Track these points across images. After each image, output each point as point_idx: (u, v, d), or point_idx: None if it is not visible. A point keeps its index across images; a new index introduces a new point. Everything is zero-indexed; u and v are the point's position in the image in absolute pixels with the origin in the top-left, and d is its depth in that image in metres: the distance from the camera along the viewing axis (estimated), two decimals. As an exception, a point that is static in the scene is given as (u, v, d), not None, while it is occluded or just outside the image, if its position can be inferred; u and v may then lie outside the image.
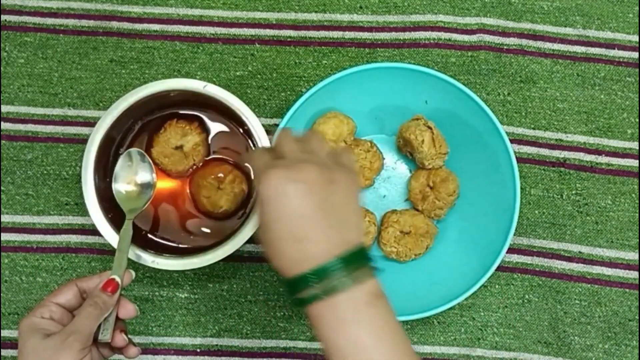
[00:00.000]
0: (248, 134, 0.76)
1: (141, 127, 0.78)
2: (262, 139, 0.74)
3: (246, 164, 0.78)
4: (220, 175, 0.76)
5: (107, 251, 0.81)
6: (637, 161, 0.85)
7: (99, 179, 0.74)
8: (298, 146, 0.58)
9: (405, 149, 0.81)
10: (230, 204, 0.76)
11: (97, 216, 0.72)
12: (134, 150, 0.74)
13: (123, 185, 0.73)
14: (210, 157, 0.78)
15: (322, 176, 0.54)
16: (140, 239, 0.78)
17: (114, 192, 0.72)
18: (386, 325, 0.54)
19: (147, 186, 0.73)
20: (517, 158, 0.76)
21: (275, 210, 0.54)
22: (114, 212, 0.76)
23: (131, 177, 0.73)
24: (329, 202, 0.54)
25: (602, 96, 0.86)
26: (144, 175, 0.73)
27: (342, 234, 0.54)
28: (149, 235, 0.77)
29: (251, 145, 0.77)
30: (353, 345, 0.53)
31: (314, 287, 0.53)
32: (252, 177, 0.77)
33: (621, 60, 0.86)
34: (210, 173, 0.77)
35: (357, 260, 0.54)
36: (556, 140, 0.85)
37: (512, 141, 0.79)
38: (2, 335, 0.80)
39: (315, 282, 0.53)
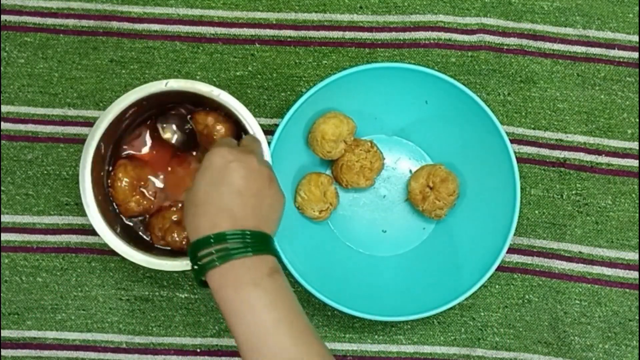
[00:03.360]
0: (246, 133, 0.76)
1: (139, 127, 0.78)
2: (260, 139, 0.74)
3: None
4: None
5: (107, 251, 0.81)
6: (637, 161, 0.85)
7: (97, 180, 0.74)
8: (258, 147, 0.68)
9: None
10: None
11: (95, 217, 0.72)
12: None
13: None
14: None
15: (264, 172, 0.62)
16: (140, 241, 0.78)
17: None
18: (282, 293, 0.58)
19: None
20: (517, 158, 0.76)
21: (215, 177, 0.60)
22: (112, 213, 0.76)
23: None
24: (261, 194, 0.60)
25: (602, 96, 0.86)
26: None
27: (258, 221, 0.60)
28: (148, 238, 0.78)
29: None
30: (249, 306, 0.56)
31: (212, 252, 0.57)
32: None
33: (621, 60, 0.86)
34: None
35: (260, 240, 0.59)
36: (556, 140, 0.85)
37: (512, 141, 0.79)
38: (2, 335, 0.80)
39: (214, 245, 0.57)
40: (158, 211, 0.77)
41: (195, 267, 0.58)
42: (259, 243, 0.58)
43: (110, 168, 0.77)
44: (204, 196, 0.59)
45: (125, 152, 0.78)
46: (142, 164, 0.78)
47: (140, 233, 0.78)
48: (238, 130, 0.78)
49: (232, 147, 0.62)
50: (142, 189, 0.77)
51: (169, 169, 0.78)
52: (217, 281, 0.57)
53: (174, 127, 0.77)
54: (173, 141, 0.77)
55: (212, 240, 0.57)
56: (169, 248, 0.77)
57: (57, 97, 0.83)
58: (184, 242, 0.75)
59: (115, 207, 0.76)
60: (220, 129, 0.76)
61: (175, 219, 0.76)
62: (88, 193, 0.72)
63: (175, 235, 0.75)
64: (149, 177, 0.77)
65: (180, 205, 0.78)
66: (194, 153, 0.78)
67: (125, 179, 0.75)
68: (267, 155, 0.73)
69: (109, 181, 0.76)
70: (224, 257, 0.57)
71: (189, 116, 0.78)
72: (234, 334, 0.57)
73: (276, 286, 0.57)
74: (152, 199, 0.77)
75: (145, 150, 0.78)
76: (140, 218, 0.78)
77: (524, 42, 0.86)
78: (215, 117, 0.77)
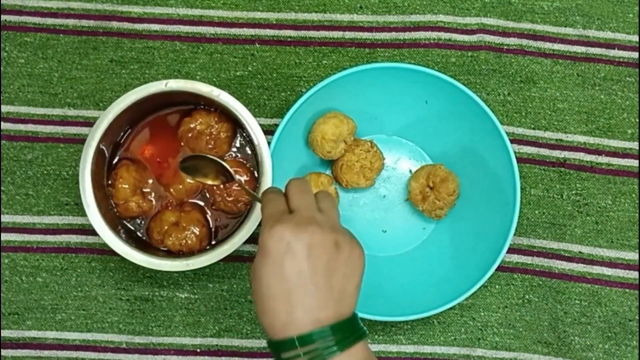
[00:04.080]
0: (248, 136, 0.76)
1: (138, 127, 0.79)
2: (261, 141, 0.74)
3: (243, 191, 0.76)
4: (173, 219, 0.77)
5: (107, 251, 0.81)
6: (637, 161, 0.85)
7: (97, 180, 0.74)
8: (312, 202, 0.57)
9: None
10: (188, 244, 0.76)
11: (95, 217, 0.72)
12: None
13: None
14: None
15: (328, 239, 0.54)
16: (140, 241, 0.78)
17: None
18: None
19: None
20: (517, 158, 0.76)
21: (276, 265, 0.53)
22: (112, 213, 0.76)
23: None
24: (330, 267, 0.54)
25: (602, 96, 0.86)
26: None
27: (337, 306, 0.54)
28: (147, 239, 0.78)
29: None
30: None
31: (299, 353, 0.52)
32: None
33: (621, 60, 0.86)
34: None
35: (346, 331, 0.53)
36: (556, 140, 0.85)
37: (512, 141, 0.79)
38: (2, 335, 0.80)
39: (301, 348, 0.52)
40: (156, 214, 0.77)
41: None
42: (346, 337, 0.53)
43: (112, 169, 0.77)
44: (269, 290, 0.54)
45: (126, 153, 0.78)
46: (144, 166, 0.78)
47: (139, 234, 0.78)
48: (236, 129, 0.78)
49: (289, 223, 0.54)
50: (142, 190, 0.77)
51: (168, 170, 0.78)
52: None
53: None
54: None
55: (296, 344, 0.52)
56: (167, 250, 0.77)
57: (57, 97, 0.83)
58: (182, 244, 0.76)
59: (114, 206, 0.76)
60: (220, 128, 0.77)
61: (173, 221, 0.76)
62: (88, 193, 0.72)
63: (174, 238, 0.75)
64: (150, 179, 0.77)
65: (175, 204, 0.78)
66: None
67: (127, 179, 0.75)
68: (267, 157, 0.73)
69: (110, 181, 0.76)
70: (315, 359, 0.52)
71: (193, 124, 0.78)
72: None
73: None
74: (152, 201, 0.77)
75: (146, 151, 0.78)
76: (139, 220, 0.78)
77: (524, 42, 0.86)
78: (215, 117, 0.77)
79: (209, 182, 0.71)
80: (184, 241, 0.75)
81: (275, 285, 0.53)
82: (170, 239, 0.75)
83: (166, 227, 0.76)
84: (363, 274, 0.57)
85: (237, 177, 0.69)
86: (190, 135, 0.77)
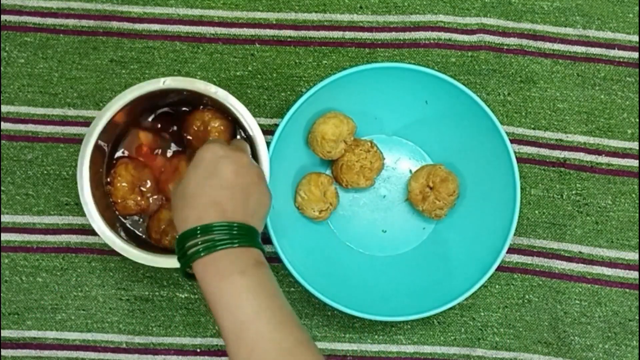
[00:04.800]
0: (248, 136, 0.76)
1: (137, 125, 0.79)
2: (259, 140, 0.74)
3: None
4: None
5: (107, 251, 0.81)
6: (637, 161, 0.85)
7: (95, 178, 0.74)
8: (246, 147, 0.69)
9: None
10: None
11: (93, 214, 0.72)
12: None
13: None
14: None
15: (254, 170, 0.63)
16: (138, 239, 0.78)
17: None
18: (265, 283, 0.58)
19: None
20: (517, 158, 0.76)
21: (206, 171, 0.61)
22: (110, 211, 0.76)
23: None
24: (250, 190, 0.62)
25: (602, 96, 0.86)
26: None
27: (246, 215, 0.61)
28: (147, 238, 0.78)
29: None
30: (231, 295, 0.57)
31: (198, 243, 0.58)
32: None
33: (621, 60, 0.86)
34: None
35: (246, 233, 0.59)
36: (556, 140, 0.85)
37: (512, 141, 0.79)
38: (2, 335, 0.80)
39: (201, 236, 0.58)
40: (155, 213, 0.77)
41: (182, 259, 0.59)
42: (245, 236, 0.59)
43: (110, 167, 0.77)
44: (193, 189, 0.61)
45: (124, 151, 0.78)
46: (143, 164, 0.78)
47: (138, 232, 0.78)
48: (234, 127, 0.78)
49: (223, 144, 0.63)
50: (141, 188, 0.77)
51: (168, 170, 0.78)
52: (201, 271, 0.58)
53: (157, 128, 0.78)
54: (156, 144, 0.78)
55: (198, 232, 0.58)
56: (166, 241, 0.77)
57: (57, 97, 0.83)
58: None
59: (113, 204, 0.76)
60: (218, 125, 0.76)
61: (170, 220, 0.76)
62: (86, 191, 0.72)
63: (172, 237, 0.75)
64: (148, 178, 0.78)
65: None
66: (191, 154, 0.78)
67: (126, 178, 0.75)
68: (265, 156, 0.73)
69: (109, 179, 0.76)
70: (209, 248, 0.58)
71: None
72: (218, 323, 0.57)
73: (259, 277, 0.58)
74: (151, 199, 0.77)
75: (144, 150, 0.78)
76: (138, 218, 0.78)
77: (524, 42, 0.86)
78: (213, 115, 0.77)
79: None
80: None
81: (200, 186, 0.60)
82: (168, 238, 0.75)
83: (164, 226, 0.76)
84: (268, 213, 0.66)
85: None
86: (189, 134, 0.77)
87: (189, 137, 0.77)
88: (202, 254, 0.58)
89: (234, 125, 0.78)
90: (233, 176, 0.61)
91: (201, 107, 0.78)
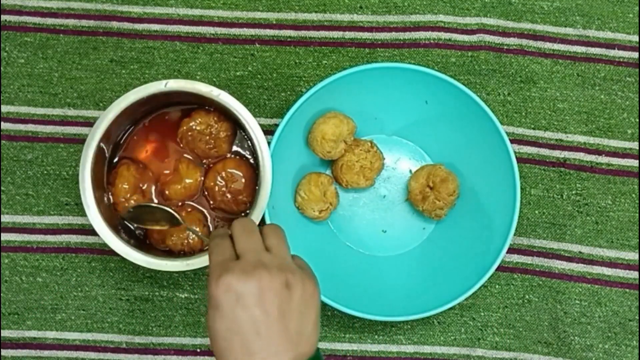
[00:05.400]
0: (248, 136, 0.76)
1: (138, 127, 0.79)
2: (261, 141, 0.74)
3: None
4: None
5: (107, 251, 0.81)
6: (637, 161, 0.85)
7: (97, 180, 0.74)
8: (258, 243, 0.56)
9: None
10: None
11: (95, 217, 0.72)
12: None
13: None
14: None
15: (277, 281, 0.53)
16: (140, 241, 0.78)
17: None
18: None
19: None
20: (517, 158, 0.76)
21: (228, 319, 0.53)
22: (112, 213, 0.76)
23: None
24: (283, 310, 0.53)
25: (602, 96, 0.86)
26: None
27: (296, 348, 0.53)
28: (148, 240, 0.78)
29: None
30: None
31: None
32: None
33: (621, 60, 0.86)
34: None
35: None
36: (556, 140, 0.85)
37: (512, 141, 0.79)
38: (2, 335, 0.80)
39: None
40: None
41: None
42: None
43: (112, 168, 0.77)
44: (225, 345, 0.53)
45: (126, 153, 0.78)
46: (144, 166, 0.78)
47: (139, 233, 0.78)
48: (236, 128, 0.78)
49: (235, 271, 0.53)
50: (142, 189, 0.77)
51: (168, 171, 0.78)
52: None
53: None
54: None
55: None
56: (168, 249, 0.77)
57: (57, 97, 0.83)
58: (184, 244, 0.76)
59: (114, 205, 0.76)
60: (219, 127, 0.77)
61: None
62: (88, 193, 0.72)
63: (176, 238, 0.75)
64: (150, 179, 0.78)
65: (175, 203, 0.78)
66: (190, 157, 0.78)
67: (127, 178, 0.75)
68: (266, 156, 0.73)
69: (110, 179, 0.76)
70: None
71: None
72: None
73: None
74: (152, 200, 0.77)
75: (145, 152, 0.78)
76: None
77: (524, 42, 0.86)
78: (215, 117, 0.77)
79: (158, 227, 0.73)
80: (186, 241, 0.75)
81: (231, 338, 0.52)
82: (172, 239, 0.75)
83: (166, 232, 0.76)
84: (319, 308, 0.57)
85: (186, 224, 0.72)
86: (190, 135, 0.77)
87: (189, 138, 0.77)
88: None
89: (235, 126, 0.78)
90: (259, 310, 0.52)
91: (199, 107, 0.78)
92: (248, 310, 0.52)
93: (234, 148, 0.79)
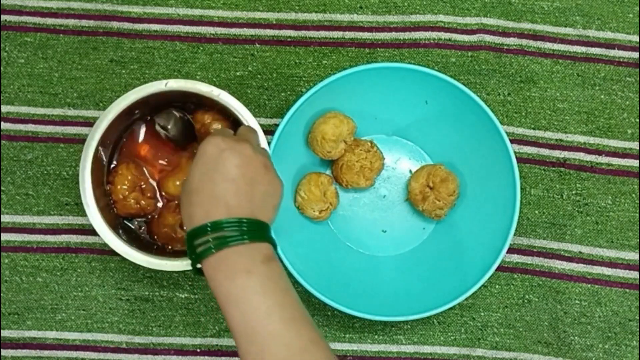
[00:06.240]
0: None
1: (138, 127, 0.79)
2: (261, 141, 0.74)
3: None
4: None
5: (107, 251, 0.81)
6: (637, 161, 0.85)
7: (97, 181, 0.74)
8: (254, 137, 0.66)
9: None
10: None
11: (95, 217, 0.72)
12: None
13: None
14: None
15: (259, 159, 0.61)
16: (140, 241, 0.78)
17: None
18: (276, 280, 0.57)
19: None
20: (517, 158, 0.76)
21: (208, 166, 0.59)
22: (112, 213, 0.76)
23: None
24: (255, 180, 0.60)
25: (602, 96, 0.86)
26: None
27: (253, 209, 0.59)
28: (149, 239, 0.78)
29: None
30: (242, 293, 0.56)
31: (209, 240, 0.57)
32: None
33: (621, 60, 0.86)
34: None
35: (255, 228, 0.58)
36: (556, 140, 0.85)
37: (512, 141, 0.79)
38: (2, 335, 0.80)
39: (211, 233, 0.57)
40: (159, 217, 0.77)
41: (192, 255, 0.58)
42: (255, 231, 0.58)
43: (111, 168, 0.77)
44: (198, 185, 0.59)
45: (126, 153, 0.78)
46: (143, 164, 0.78)
47: (139, 233, 0.78)
48: (236, 128, 0.78)
49: (225, 136, 0.61)
50: (141, 187, 0.77)
51: (168, 170, 0.78)
52: (212, 269, 0.57)
53: (169, 120, 0.77)
54: (168, 133, 0.76)
55: (208, 229, 0.57)
56: (170, 248, 0.77)
57: (57, 97, 0.83)
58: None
59: (113, 203, 0.76)
60: (218, 127, 0.77)
61: (178, 223, 0.76)
62: (88, 194, 0.72)
63: (181, 239, 0.76)
64: (149, 177, 0.78)
65: (176, 204, 0.78)
66: (194, 151, 0.78)
67: (127, 176, 0.75)
68: (265, 148, 0.73)
69: (110, 178, 0.76)
70: (220, 245, 0.57)
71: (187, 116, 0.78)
72: (228, 321, 0.57)
73: (270, 273, 0.57)
74: (152, 199, 0.77)
75: (145, 151, 0.78)
76: (138, 220, 0.78)
77: (524, 42, 0.86)
78: (213, 116, 0.77)
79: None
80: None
81: (203, 182, 0.59)
82: (178, 245, 0.76)
83: (171, 233, 0.76)
84: (281, 201, 0.63)
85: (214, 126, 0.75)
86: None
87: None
88: (213, 251, 0.57)
89: (235, 127, 0.78)
90: (236, 170, 0.59)
91: (200, 107, 0.78)
92: (226, 166, 0.59)
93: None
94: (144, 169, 0.78)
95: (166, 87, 0.73)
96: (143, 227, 0.78)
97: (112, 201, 0.76)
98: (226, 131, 0.66)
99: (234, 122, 0.77)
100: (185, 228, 0.60)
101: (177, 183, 0.77)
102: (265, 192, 0.61)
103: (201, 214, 0.58)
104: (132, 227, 0.78)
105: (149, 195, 0.77)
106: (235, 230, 0.57)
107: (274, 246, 0.60)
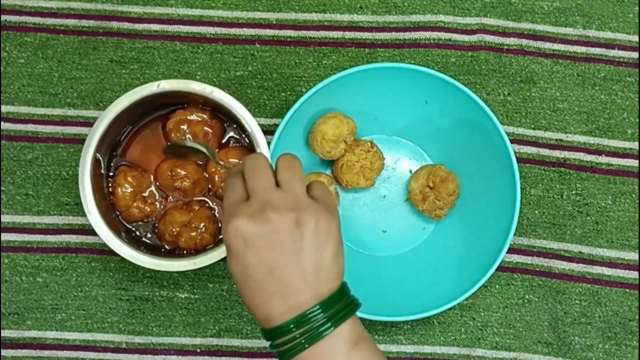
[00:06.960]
0: (247, 135, 0.76)
1: (135, 129, 0.79)
2: (259, 140, 0.74)
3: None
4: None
5: (107, 251, 0.81)
6: (637, 161, 0.85)
7: (97, 185, 0.74)
8: (268, 181, 0.55)
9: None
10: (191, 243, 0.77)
11: (98, 223, 0.73)
12: None
13: None
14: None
15: (286, 221, 0.52)
16: (143, 243, 0.78)
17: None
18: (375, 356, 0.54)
19: None
20: (517, 158, 0.76)
21: (241, 263, 0.53)
22: (114, 217, 0.77)
23: None
24: (296, 249, 0.52)
25: (602, 96, 0.86)
26: None
27: (314, 286, 0.53)
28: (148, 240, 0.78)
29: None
30: None
31: (296, 337, 0.52)
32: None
33: (621, 60, 0.86)
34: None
35: (336, 303, 0.53)
36: (556, 140, 0.85)
37: (512, 141, 0.79)
38: (2, 335, 0.80)
39: (296, 331, 0.52)
40: (163, 216, 0.77)
41: (279, 354, 0.53)
42: (333, 312, 0.52)
43: (110, 173, 0.77)
44: (241, 286, 0.54)
45: (124, 155, 0.78)
46: (142, 170, 0.78)
47: (139, 233, 0.78)
48: (223, 125, 0.78)
49: (241, 215, 0.53)
50: (143, 195, 0.77)
51: (169, 172, 0.78)
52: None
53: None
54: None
55: (292, 327, 0.52)
56: (175, 248, 0.77)
57: (57, 97, 0.83)
58: (197, 242, 0.76)
59: (118, 213, 0.77)
60: (211, 124, 0.77)
61: (184, 221, 0.76)
62: (89, 200, 0.73)
63: (188, 238, 0.76)
64: (149, 183, 0.78)
65: (182, 203, 0.78)
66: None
67: (126, 186, 0.76)
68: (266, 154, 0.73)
69: (110, 189, 0.77)
70: (312, 339, 0.52)
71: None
72: None
73: (366, 355, 0.53)
74: (155, 204, 0.77)
75: (143, 153, 0.79)
76: (141, 223, 0.78)
77: (524, 42, 0.86)
78: (192, 112, 0.77)
79: (194, 159, 0.74)
80: (199, 239, 0.76)
81: (246, 281, 0.53)
82: (183, 239, 0.76)
83: (178, 229, 0.76)
84: (339, 239, 0.55)
85: (216, 159, 0.68)
86: (178, 132, 0.77)
87: (172, 138, 0.77)
88: (306, 346, 0.51)
89: (222, 123, 0.78)
90: (270, 254, 0.52)
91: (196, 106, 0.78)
92: (258, 254, 0.52)
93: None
94: (144, 171, 0.78)
95: (158, 89, 0.73)
96: (147, 223, 0.78)
97: (116, 211, 0.77)
98: (239, 188, 0.55)
99: (233, 120, 0.77)
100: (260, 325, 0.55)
101: (169, 174, 0.77)
102: (314, 251, 0.53)
103: (262, 315, 0.53)
104: (133, 228, 0.78)
105: (150, 201, 0.77)
106: (309, 324, 0.52)
107: (358, 307, 0.55)
